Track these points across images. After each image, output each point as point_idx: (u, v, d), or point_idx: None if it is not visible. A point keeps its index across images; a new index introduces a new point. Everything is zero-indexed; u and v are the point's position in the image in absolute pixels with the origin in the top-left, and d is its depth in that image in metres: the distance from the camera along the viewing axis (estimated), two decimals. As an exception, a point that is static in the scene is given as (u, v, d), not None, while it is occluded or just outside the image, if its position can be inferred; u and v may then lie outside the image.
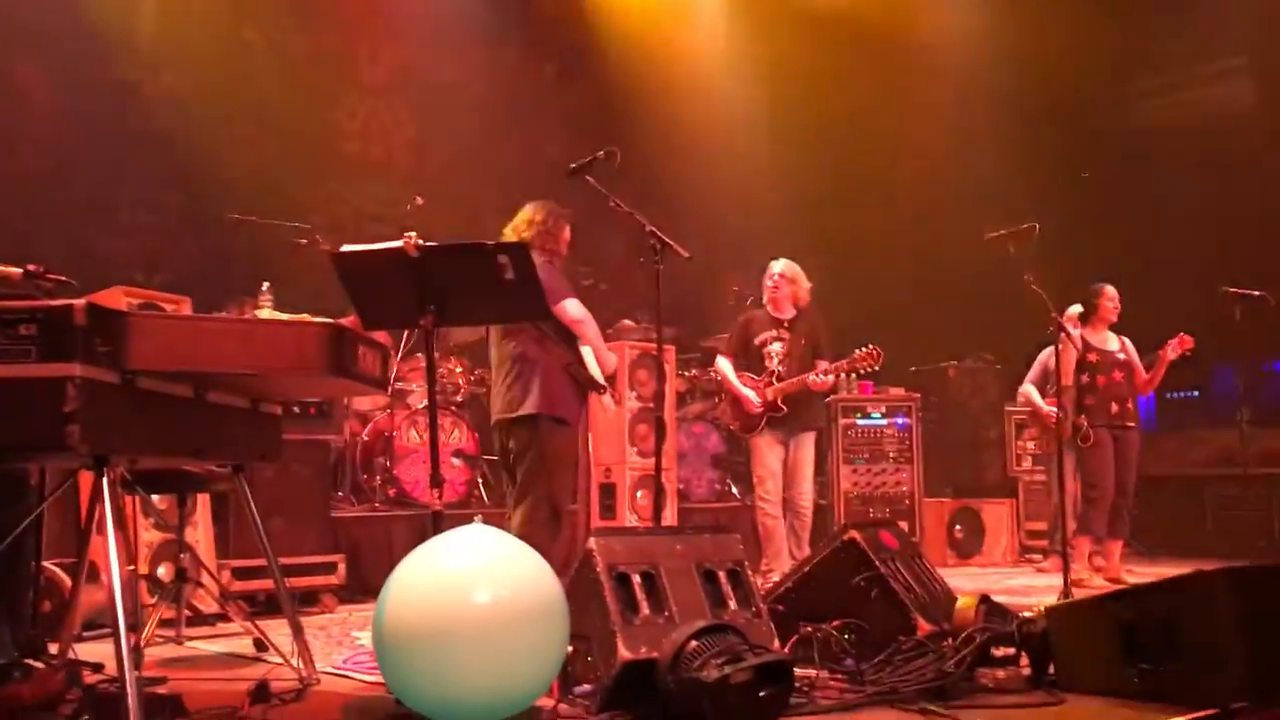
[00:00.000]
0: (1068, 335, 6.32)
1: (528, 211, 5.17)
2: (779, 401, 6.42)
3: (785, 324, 6.61)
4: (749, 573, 3.55)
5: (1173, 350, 7.13)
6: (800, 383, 6.37)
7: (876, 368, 6.34)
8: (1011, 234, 5.61)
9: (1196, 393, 9.81)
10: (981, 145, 10.44)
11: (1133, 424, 7.09)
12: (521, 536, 3.94)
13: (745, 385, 6.55)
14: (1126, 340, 7.25)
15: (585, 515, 6.24)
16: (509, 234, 5.07)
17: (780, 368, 6.51)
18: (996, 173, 10.10)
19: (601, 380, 5.15)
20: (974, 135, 10.56)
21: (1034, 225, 5.56)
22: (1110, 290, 7.19)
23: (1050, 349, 6.87)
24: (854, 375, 6.77)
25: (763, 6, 11.34)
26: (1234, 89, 10.29)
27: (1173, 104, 10.51)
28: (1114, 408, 7.00)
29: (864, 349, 6.30)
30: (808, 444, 6.58)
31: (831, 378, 6.46)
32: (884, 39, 11.07)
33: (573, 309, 4.92)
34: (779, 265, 6.69)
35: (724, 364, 6.74)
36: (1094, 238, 9.63)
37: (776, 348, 6.58)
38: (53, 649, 3.59)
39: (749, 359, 6.67)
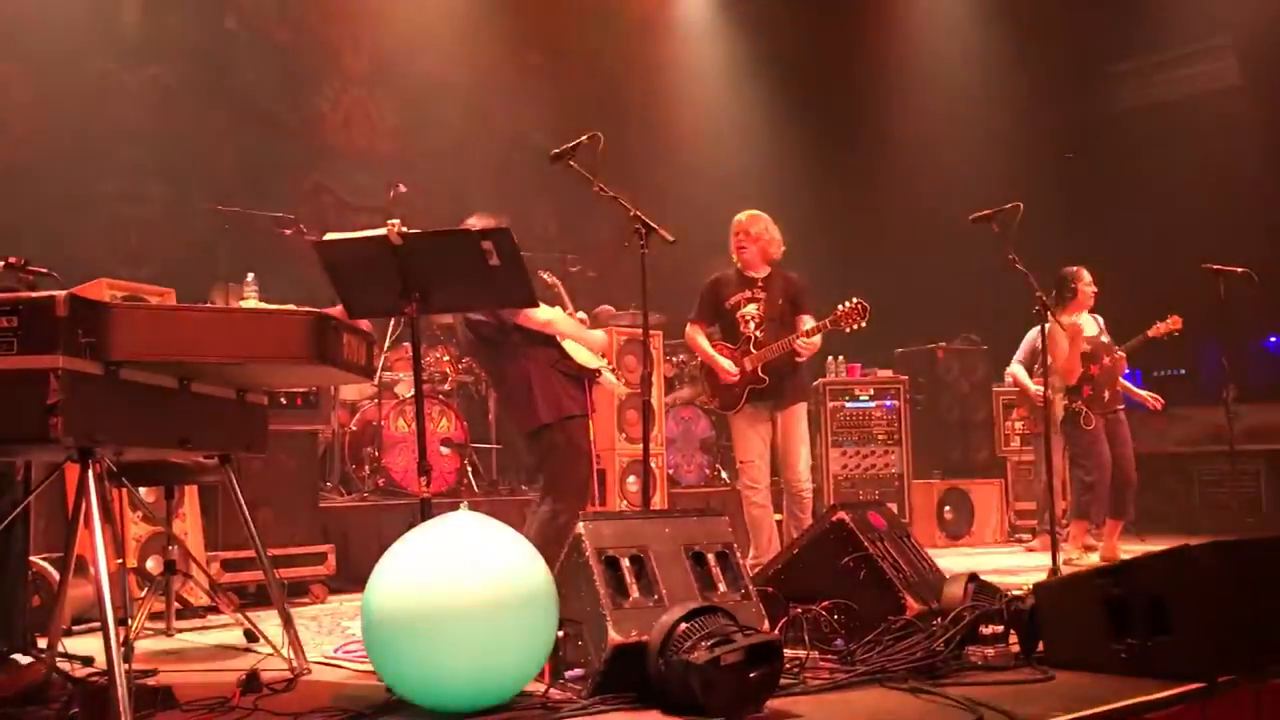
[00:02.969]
0: (1054, 318, 6.32)
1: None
2: (759, 370, 5.81)
3: (759, 283, 5.96)
4: (737, 555, 3.56)
5: (1159, 330, 7.16)
6: (783, 347, 5.74)
7: (863, 323, 5.71)
8: (996, 214, 5.59)
9: (1183, 370, 9.87)
10: (967, 126, 10.46)
11: (1121, 406, 7.12)
12: (562, 527, 3.98)
13: (721, 355, 5.94)
14: (1100, 319, 7.25)
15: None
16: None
17: (758, 333, 5.86)
18: (982, 153, 10.12)
19: (592, 366, 5.14)
20: (959, 116, 10.58)
21: (1018, 205, 5.54)
22: (1086, 274, 7.12)
23: (1038, 329, 6.89)
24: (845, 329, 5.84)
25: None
26: (1217, 67, 10.32)
27: (1156, 83, 10.54)
28: (1106, 394, 7.01)
29: (847, 304, 5.69)
30: (798, 417, 5.94)
31: (818, 339, 5.78)
32: (871, 21, 11.08)
33: (536, 315, 4.79)
34: (741, 217, 6.04)
35: (694, 332, 6.11)
36: (1079, 216, 9.66)
37: (751, 310, 5.92)
38: (42, 643, 3.59)
39: (723, 326, 6.05)
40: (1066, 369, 6.88)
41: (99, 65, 7.83)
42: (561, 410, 4.92)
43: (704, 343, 6.06)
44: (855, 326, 5.72)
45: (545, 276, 5.67)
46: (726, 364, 5.90)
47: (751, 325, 5.91)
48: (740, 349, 5.93)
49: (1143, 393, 7.34)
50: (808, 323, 5.81)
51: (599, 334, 5.32)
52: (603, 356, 5.34)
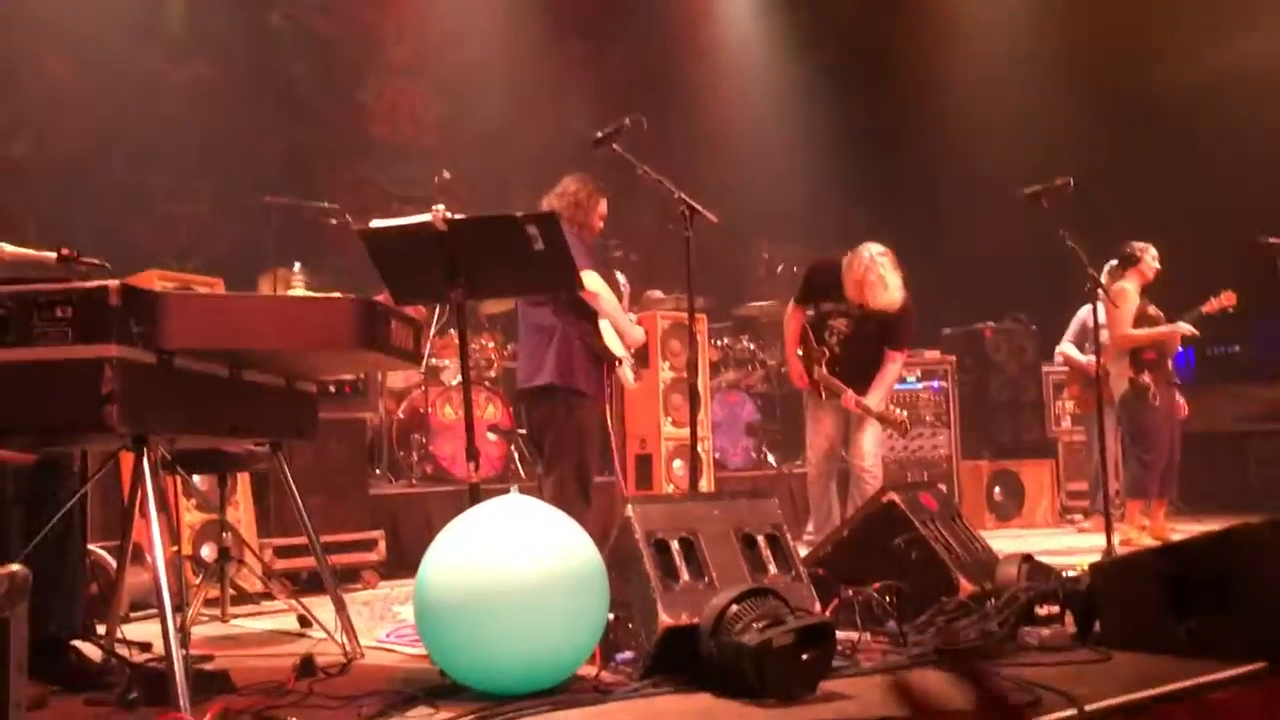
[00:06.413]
0: (1105, 293, 6.25)
1: (563, 183, 5.17)
2: (820, 389, 5.82)
3: (859, 303, 5.75)
4: (788, 537, 3.54)
5: (1213, 306, 7.05)
6: (837, 391, 5.74)
7: (899, 433, 6.13)
8: (1045, 190, 5.50)
9: (1238, 347, 9.70)
10: (1016, 100, 10.31)
11: (1176, 380, 7.07)
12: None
13: (803, 344, 5.90)
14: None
15: (620, 487, 6.21)
16: (545, 205, 5.07)
17: (837, 348, 5.80)
18: (1032, 128, 9.98)
19: (617, 353, 5.14)
20: (1008, 91, 10.42)
21: (1068, 180, 5.46)
22: (1153, 251, 7.10)
23: (1089, 307, 6.80)
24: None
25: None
26: (1272, 39, 10.06)
27: (1212, 56, 10.30)
28: (1169, 364, 6.98)
29: (899, 412, 5.88)
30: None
31: (875, 401, 5.73)
32: (920, 3, 10.95)
33: (587, 282, 4.76)
34: (871, 251, 5.70)
35: (790, 314, 6.06)
36: (1132, 191, 9.48)
37: (841, 323, 5.82)
38: (100, 630, 3.64)
39: (814, 322, 5.93)
40: (1127, 337, 6.80)
41: (147, 62, 7.93)
42: (570, 380, 4.94)
43: (788, 326, 6.04)
44: (897, 431, 5.96)
45: (619, 276, 5.72)
46: (793, 350, 5.96)
47: (835, 339, 5.83)
48: (817, 355, 5.86)
49: None
50: (890, 365, 5.79)
51: (639, 330, 5.34)
52: (632, 353, 5.36)
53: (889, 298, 5.60)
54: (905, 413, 5.90)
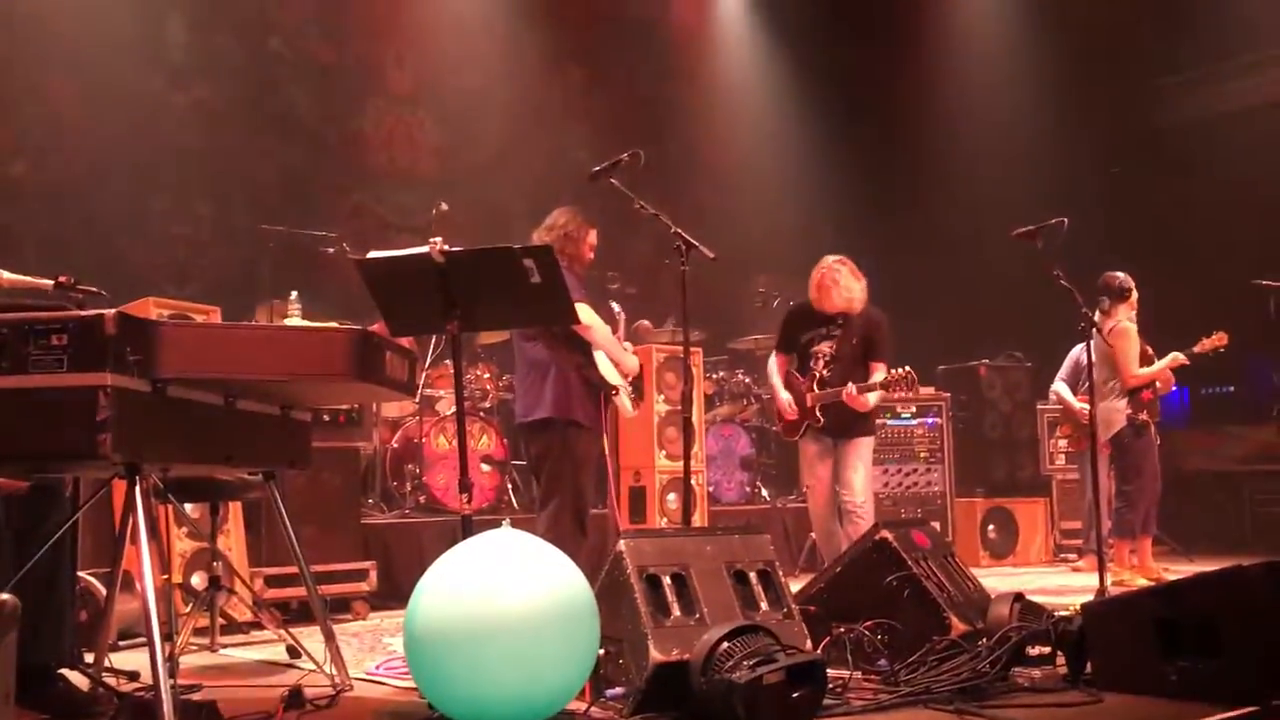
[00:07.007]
0: (1099, 333, 6.28)
1: (552, 216, 5.20)
2: (816, 410, 5.78)
3: (836, 321, 5.84)
4: (780, 573, 3.53)
5: (1204, 346, 7.08)
6: (834, 395, 5.70)
7: (910, 393, 5.92)
8: (1039, 229, 5.53)
9: (1232, 388, 9.72)
10: (1010, 139, 10.38)
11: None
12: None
13: (791, 386, 5.93)
14: None
15: (615, 519, 6.19)
16: (535, 239, 5.09)
17: (825, 371, 5.81)
18: (1026, 167, 10.04)
19: (614, 382, 5.16)
20: (1003, 129, 10.50)
21: (1062, 220, 5.49)
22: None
23: (1082, 346, 6.83)
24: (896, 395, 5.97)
25: (789, 4, 11.32)
26: (1269, 80, 10.16)
27: (1205, 96, 10.40)
28: (1158, 403, 7.01)
29: (898, 370, 5.62)
30: (855, 449, 5.84)
31: (873, 396, 5.68)
32: (912, 34, 11.04)
33: (580, 314, 4.68)
34: (830, 259, 5.88)
35: (772, 362, 6.13)
36: (1125, 231, 9.54)
37: (824, 347, 5.86)
38: (89, 658, 3.62)
39: (799, 358, 6.00)
40: (1137, 378, 6.83)
41: (147, 85, 7.96)
42: (568, 412, 4.96)
43: (774, 376, 6.09)
44: (903, 394, 5.87)
45: (614, 306, 5.74)
46: (785, 399, 5.93)
47: (821, 363, 5.86)
48: (807, 384, 5.89)
49: None
50: (876, 373, 5.72)
51: (633, 359, 5.36)
52: (629, 382, 5.36)
53: (846, 297, 5.77)
54: (908, 369, 5.68)
